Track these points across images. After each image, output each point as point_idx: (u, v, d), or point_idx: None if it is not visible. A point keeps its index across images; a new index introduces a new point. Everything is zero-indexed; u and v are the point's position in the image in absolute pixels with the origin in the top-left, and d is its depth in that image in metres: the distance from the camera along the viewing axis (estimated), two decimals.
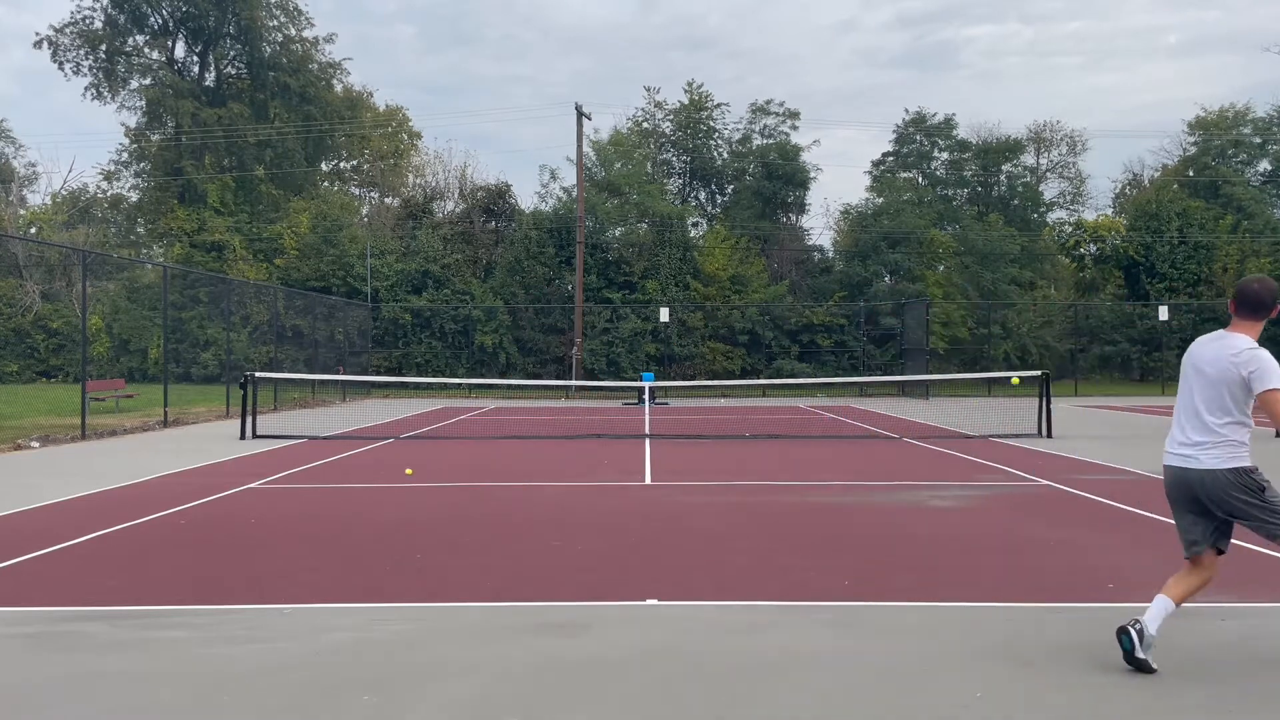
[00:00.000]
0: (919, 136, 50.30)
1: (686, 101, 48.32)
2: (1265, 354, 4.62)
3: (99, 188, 51.66)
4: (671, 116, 48.75)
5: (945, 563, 7.10)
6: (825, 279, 44.83)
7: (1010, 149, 49.99)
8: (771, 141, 48.13)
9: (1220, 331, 4.85)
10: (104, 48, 46.53)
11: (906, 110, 58.05)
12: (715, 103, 48.46)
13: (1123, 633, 4.72)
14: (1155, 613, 4.75)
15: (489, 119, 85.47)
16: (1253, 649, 5.04)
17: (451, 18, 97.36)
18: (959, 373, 36.04)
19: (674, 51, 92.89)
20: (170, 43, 48.16)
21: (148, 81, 47.36)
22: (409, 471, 11.99)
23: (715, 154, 49.21)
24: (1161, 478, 5.04)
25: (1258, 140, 50.97)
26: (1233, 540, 7.72)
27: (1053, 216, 51.95)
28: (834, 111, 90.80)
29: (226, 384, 24.81)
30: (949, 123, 49.81)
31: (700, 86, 48.33)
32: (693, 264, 41.61)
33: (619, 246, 41.89)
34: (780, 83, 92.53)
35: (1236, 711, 4.20)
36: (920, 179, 50.28)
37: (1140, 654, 4.66)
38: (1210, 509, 4.77)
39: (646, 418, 23.35)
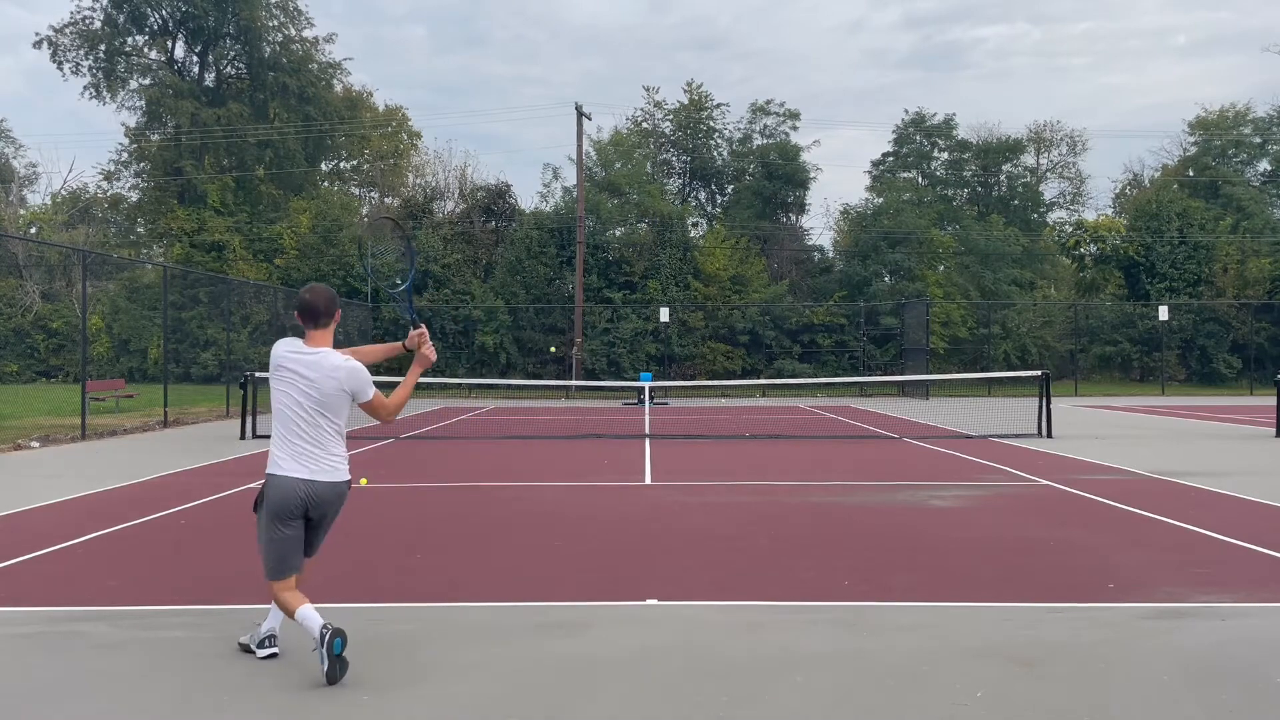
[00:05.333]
0: (919, 137, 50.34)
1: (686, 101, 48.36)
2: (359, 365, 4.86)
3: (99, 188, 51.69)
4: (671, 116, 48.78)
5: (945, 563, 7.10)
6: (825, 279, 44.86)
7: (1010, 149, 50.02)
8: (772, 141, 48.16)
9: (296, 341, 4.82)
10: (103, 48, 46.51)
11: (906, 111, 58.12)
12: (715, 103, 48.54)
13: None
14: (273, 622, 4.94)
15: (493, 119, 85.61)
16: (1252, 649, 5.04)
17: (463, 19, 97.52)
18: (959, 373, 36.05)
19: (684, 52, 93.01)
20: (170, 43, 48.14)
21: (147, 81, 47.36)
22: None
23: (715, 154, 49.24)
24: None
25: (1258, 140, 50.98)
26: (1234, 541, 7.80)
27: (1053, 216, 52.01)
28: (842, 112, 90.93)
29: (226, 384, 24.82)
30: (949, 123, 49.86)
31: (700, 86, 48.41)
32: (693, 264, 41.61)
33: (619, 246, 41.89)
34: (788, 83, 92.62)
35: (1237, 711, 4.20)
36: (920, 179, 50.31)
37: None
38: (318, 520, 4.87)
39: (646, 418, 23.35)
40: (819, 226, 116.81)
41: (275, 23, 47.60)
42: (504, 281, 41.24)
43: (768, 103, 48.55)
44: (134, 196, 50.14)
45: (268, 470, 4.78)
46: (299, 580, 4.87)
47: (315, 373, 4.75)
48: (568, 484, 11.46)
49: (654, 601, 6.01)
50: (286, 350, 4.81)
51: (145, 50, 48.09)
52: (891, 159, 51.22)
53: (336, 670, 4.49)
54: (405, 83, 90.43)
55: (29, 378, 42.79)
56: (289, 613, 4.70)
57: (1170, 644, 5.10)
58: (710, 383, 35.09)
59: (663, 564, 7.09)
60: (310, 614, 4.60)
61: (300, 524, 4.78)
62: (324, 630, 4.48)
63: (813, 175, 47.81)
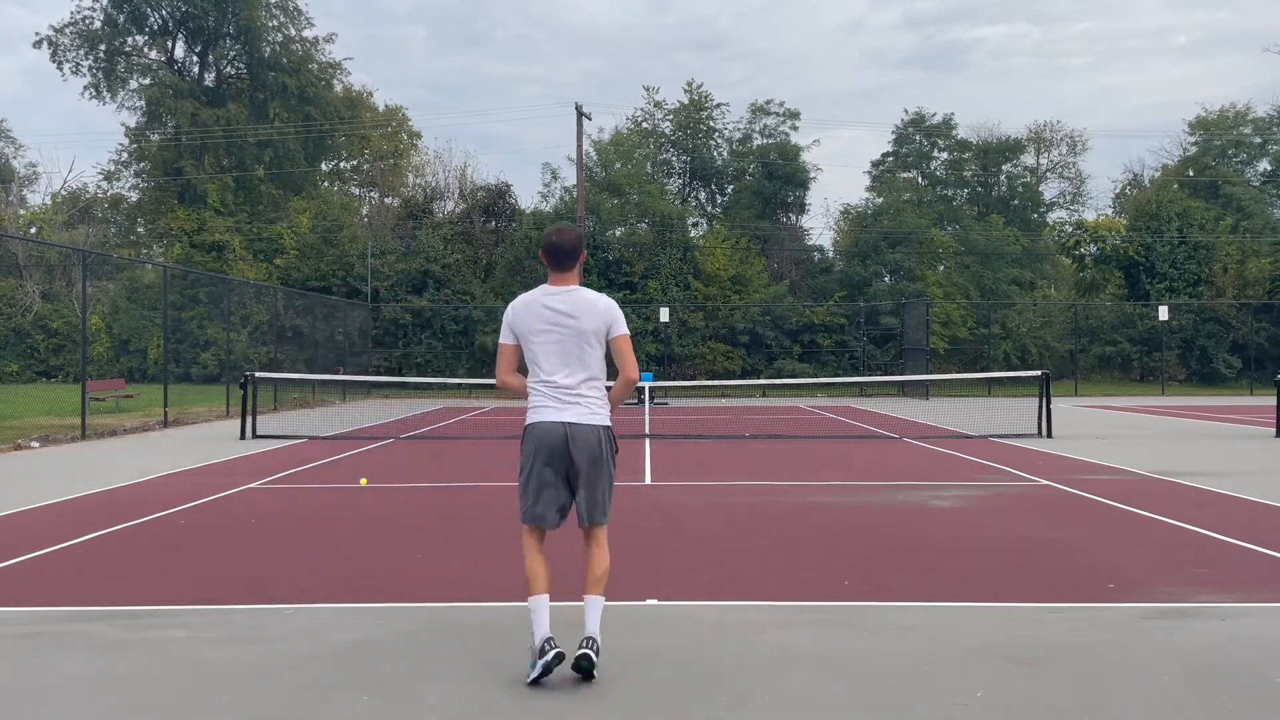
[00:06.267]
0: (918, 137, 50.34)
1: (686, 101, 48.35)
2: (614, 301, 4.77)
3: (99, 188, 51.71)
4: (671, 116, 48.77)
5: (945, 563, 7.10)
6: (825, 279, 44.86)
7: (1010, 149, 50.02)
8: (771, 141, 48.15)
9: (539, 289, 4.74)
10: (103, 48, 46.53)
11: (906, 111, 58.16)
12: (715, 103, 48.54)
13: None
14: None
15: (493, 119, 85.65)
16: (1253, 649, 5.04)
17: (463, 19, 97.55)
18: (959, 373, 36.05)
19: (684, 52, 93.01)
20: (170, 43, 48.17)
21: (147, 81, 47.38)
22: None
23: (715, 154, 49.24)
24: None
25: (1258, 140, 50.99)
26: (1234, 541, 7.79)
27: (1053, 216, 52.03)
28: (843, 112, 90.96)
29: (226, 384, 24.81)
30: (948, 123, 49.86)
31: (700, 86, 48.40)
32: (693, 264, 41.61)
33: (619, 246, 41.89)
34: (788, 83, 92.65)
35: (1237, 711, 4.20)
36: (920, 179, 50.31)
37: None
38: (581, 465, 4.61)
39: (646, 418, 23.35)
40: (819, 226, 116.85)
41: (275, 23, 47.65)
42: (504, 281, 41.23)
43: (767, 103, 48.60)
44: (134, 196, 50.19)
45: (527, 421, 4.66)
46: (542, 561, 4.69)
47: (575, 308, 4.65)
48: None
49: (654, 601, 6.01)
50: (535, 296, 4.70)
51: (145, 50, 48.12)
52: (891, 159, 51.24)
53: (535, 676, 4.43)
54: (405, 83, 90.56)
55: (29, 378, 42.79)
56: (527, 587, 4.60)
57: (1170, 644, 5.09)
58: (710, 383, 35.09)
59: (663, 564, 7.09)
60: (541, 613, 4.54)
61: (560, 473, 4.62)
62: (546, 643, 4.44)
63: (813, 175, 47.88)
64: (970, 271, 44.28)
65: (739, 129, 49.09)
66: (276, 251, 43.03)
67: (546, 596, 4.60)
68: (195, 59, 48.71)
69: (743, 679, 4.60)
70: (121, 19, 46.73)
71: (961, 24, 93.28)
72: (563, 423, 4.58)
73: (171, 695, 4.42)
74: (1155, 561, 7.13)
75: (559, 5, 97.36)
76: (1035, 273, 46.96)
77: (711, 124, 48.70)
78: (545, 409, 4.63)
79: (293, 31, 48.23)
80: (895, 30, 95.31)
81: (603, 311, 4.70)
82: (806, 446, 16.13)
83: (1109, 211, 53.85)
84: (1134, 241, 44.30)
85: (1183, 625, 5.47)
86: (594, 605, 4.61)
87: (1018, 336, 41.61)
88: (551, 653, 4.40)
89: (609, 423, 4.68)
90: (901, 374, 36.80)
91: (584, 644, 4.50)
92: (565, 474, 4.65)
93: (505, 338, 4.78)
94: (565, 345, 4.64)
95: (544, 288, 4.75)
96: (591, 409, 4.64)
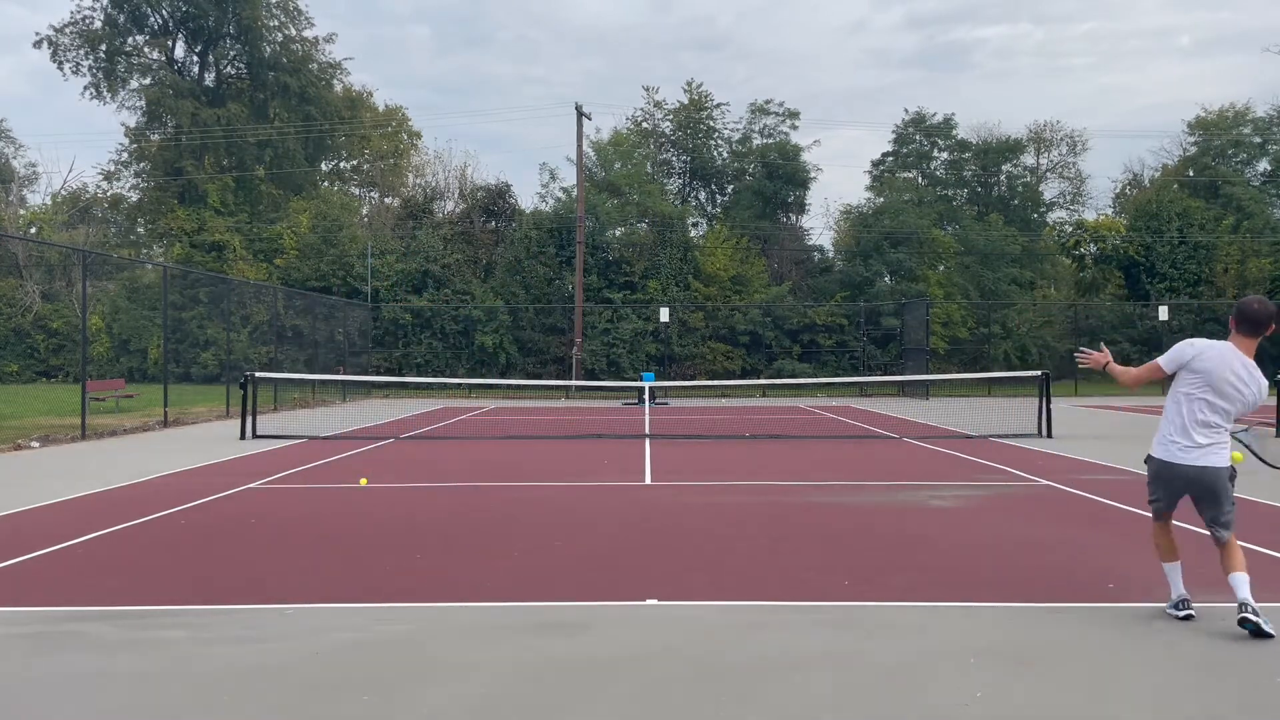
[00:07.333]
0: (918, 137, 50.32)
1: (686, 101, 48.33)
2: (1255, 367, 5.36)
3: (99, 188, 51.68)
4: (671, 116, 48.75)
5: (944, 563, 7.10)
6: (826, 279, 44.86)
7: (1010, 149, 50.00)
8: (771, 141, 48.13)
9: (1207, 341, 5.48)
10: (104, 47, 46.51)
11: (906, 110, 58.15)
12: (715, 102, 48.52)
13: (1243, 623, 5.14)
14: (1244, 588, 5.29)
15: (494, 119, 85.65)
16: (1253, 649, 5.04)
17: (465, 19, 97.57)
18: (959, 373, 36.03)
19: (686, 52, 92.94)
20: (170, 42, 48.16)
21: (147, 81, 47.36)
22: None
23: (715, 154, 49.21)
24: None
25: (1258, 140, 50.96)
26: (1235, 540, 7.76)
27: (1053, 216, 51.99)
28: (845, 113, 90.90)
29: (226, 384, 24.81)
30: (948, 123, 49.84)
31: (700, 86, 48.37)
32: (693, 264, 41.60)
33: (619, 246, 41.88)
34: (790, 83, 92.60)
35: (1236, 711, 4.20)
36: (920, 179, 50.28)
37: (1267, 627, 5.12)
38: (1197, 496, 5.46)
39: (646, 418, 23.35)
40: (819, 226, 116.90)
41: (275, 23, 47.62)
42: (504, 281, 41.24)
43: (767, 102, 48.57)
44: (134, 196, 50.14)
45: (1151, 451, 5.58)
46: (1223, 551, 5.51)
47: (1213, 366, 5.28)
48: (568, 484, 11.46)
49: (654, 601, 6.01)
50: (1198, 346, 5.45)
51: (145, 50, 48.10)
52: (891, 159, 51.22)
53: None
54: (407, 82, 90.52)
55: (29, 378, 42.78)
56: (1160, 557, 5.67)
57: (1170, 644, 5.10)
58: (710, 383, 35.10)
59: (663, 564, 7.09)
60: (1175, 577, 5.57)
61: (1166, 493, 5.57)
62: (1182, 601, 5.46)
63: (813, 175, 47.84)
64: (970, 271, 44.25)
65: (739, 129, 49.12)
66: (276, 251, 43.03)
67: (1233, 575, 5.36)
68: (195, 59, 48.71)
69: (743, 679, 4.60)
70: (122, 19, 46.71)
71: (964, 24, 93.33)
72: (1162, 460, 5.54)
73: (171, 695, 4.42)
74: (1155, 561, 7.11)
75: (560, 5, 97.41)
76: (1035, 272, 46.94)
77: (711, 124, 48.69)
78: (1158, 444, 5.58)
79: (293, 31, 48.25)
80: (897, 30, 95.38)
81: (1244, 377, 5.34)
82: (806, 446, 16.13)
83: (1109, 211, 53.85)
84: (1134, 241, 44.28)
85: (1183, 625, 5.47)
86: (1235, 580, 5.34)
87: (1018, 336, 41.59)
88: (1186, 604, 5.46)
89: (1216, 464, 5.40)
90: (902, 374, 36.80)
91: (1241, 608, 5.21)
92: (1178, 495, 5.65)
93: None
94: (1191, 394, 5.40)
95: (1205, 342, 5.48)
96: (1199, 452, 5.42)
